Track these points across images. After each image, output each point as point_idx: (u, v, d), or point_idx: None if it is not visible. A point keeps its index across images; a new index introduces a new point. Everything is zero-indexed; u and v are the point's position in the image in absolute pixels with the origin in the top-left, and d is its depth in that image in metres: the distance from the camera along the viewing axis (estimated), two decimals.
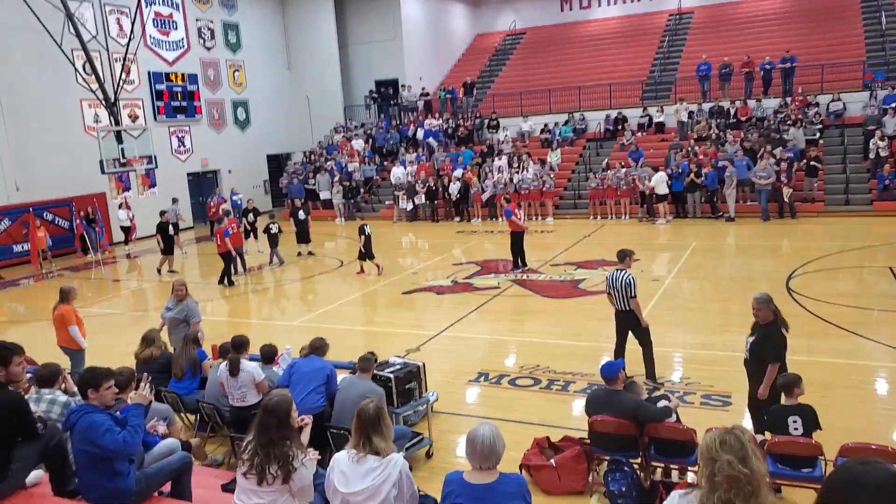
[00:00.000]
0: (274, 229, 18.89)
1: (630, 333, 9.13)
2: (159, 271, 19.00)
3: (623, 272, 8.96)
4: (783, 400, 6.24)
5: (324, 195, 27.70)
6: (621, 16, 35.11)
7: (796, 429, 5.97)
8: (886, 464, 2.33)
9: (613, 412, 6.38)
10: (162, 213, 19.70)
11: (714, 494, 3.03)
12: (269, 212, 19.81)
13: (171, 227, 19.33)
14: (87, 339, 10.22)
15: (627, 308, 8.94)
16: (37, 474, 5.49)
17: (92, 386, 5.14)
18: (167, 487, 5.50)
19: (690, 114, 25.28)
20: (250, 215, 20.79)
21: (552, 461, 6.66)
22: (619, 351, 9.27)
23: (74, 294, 10.03)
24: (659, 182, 21.37)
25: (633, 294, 8.87)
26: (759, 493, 3.02)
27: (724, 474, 3.02)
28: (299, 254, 20.02)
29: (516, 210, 16.87)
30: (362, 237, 16.64)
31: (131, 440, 4.98)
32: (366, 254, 16.77)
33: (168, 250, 19.02)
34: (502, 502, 3.95)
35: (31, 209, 21.76)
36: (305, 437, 4.97)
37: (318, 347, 7.47)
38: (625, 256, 9.20)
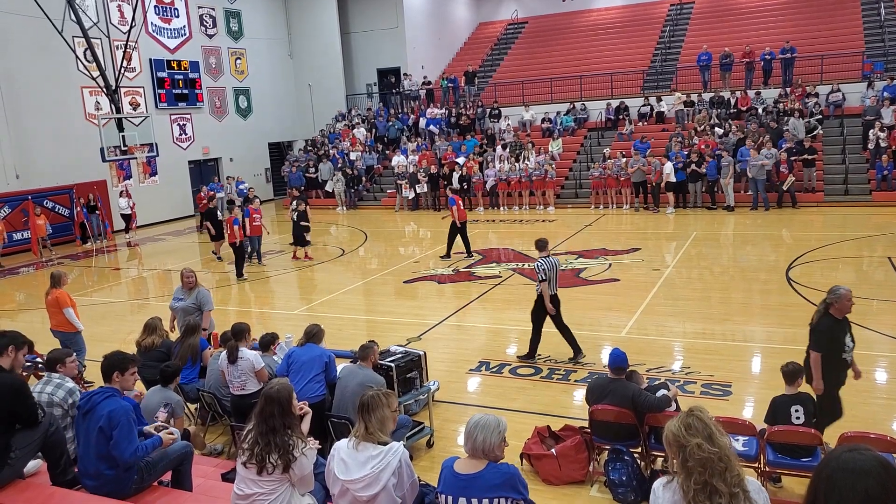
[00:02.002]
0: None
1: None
2: (218, 256, 18.97)
3: (552, 257, 9.66)
4: (785, 389, 6.26)
5: (329, 186, 27.63)
6: (623, 5, 34.93)
7: (798, 417, 6.01)
8: (873, 450, 2.39)
9: (613, 401, 6.39)
10: (209, 200, 19.70)
11: (690, 479, 3.10)
12: (248, 198, 19.80)
13: (218, 213, 19.21)
14: (87, 326, 10.23)
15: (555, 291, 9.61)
16: (35, 464, 5.46)
17: (118, 369, 5.19)
18: (167, 476, 5.48)
19: (691, 103, 25.22)
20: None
21: (553, 450, 6.66)
22: (570, 334, 9.68)
23: (66, 279, 10.09)
24: (669, 171, 21.37)
25: None
26: (731, 466, 3.10)
27: (695, 458, 3.09)
28: None
29: (459, 201, 17.13)
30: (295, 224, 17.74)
31: (140, 455, 5.04)
32: (298, 240, 17.72)
33: (219, 236, 18.78)
34: (485, 494, 3.91)
35: (30, 197, 21.74)
36: (305, 425, 4.96)
37: (313, 334, 7.34)
38: (545, 245, 9.87)
